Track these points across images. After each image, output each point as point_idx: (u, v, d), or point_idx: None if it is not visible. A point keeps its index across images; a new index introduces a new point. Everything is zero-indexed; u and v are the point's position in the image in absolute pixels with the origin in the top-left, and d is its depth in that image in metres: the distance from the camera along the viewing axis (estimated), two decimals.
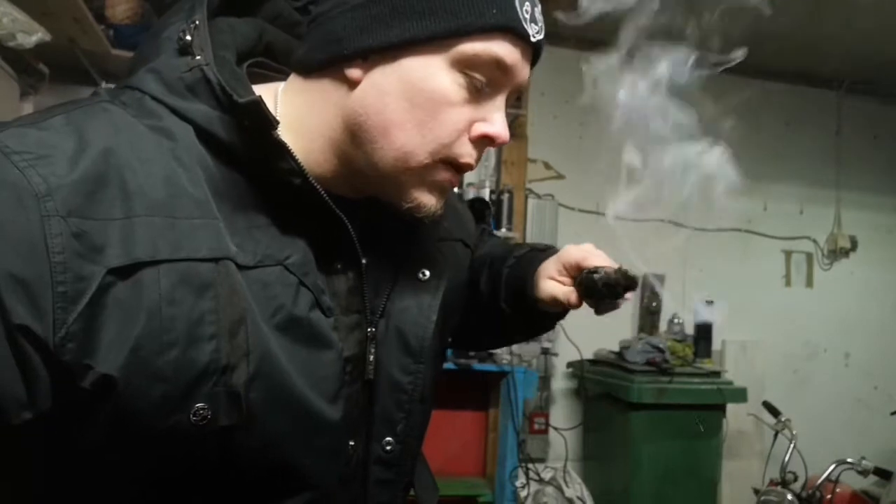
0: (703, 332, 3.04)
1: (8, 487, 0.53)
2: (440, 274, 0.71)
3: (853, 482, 2.21)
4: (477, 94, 0.60)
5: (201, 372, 0.50)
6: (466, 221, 0.88)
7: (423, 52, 0.57)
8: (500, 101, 0.62)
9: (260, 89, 0.60)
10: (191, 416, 0.50)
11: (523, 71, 0.61)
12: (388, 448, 0.67)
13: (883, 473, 1.98)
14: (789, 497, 1.89)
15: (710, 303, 3.02)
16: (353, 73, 0.59)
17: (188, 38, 0.56)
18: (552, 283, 0.74)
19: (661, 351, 2.73)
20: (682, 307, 3.21)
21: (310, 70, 0.62)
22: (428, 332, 0.67)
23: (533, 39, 0.60)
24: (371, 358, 0.66)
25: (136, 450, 0.51)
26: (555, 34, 3.23)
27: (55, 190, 0.46)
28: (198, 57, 0.56)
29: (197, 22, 0.57)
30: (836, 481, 1.97)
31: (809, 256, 3.59)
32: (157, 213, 0.50)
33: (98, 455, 0.51)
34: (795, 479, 2.03)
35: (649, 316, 3.17)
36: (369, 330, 0.66)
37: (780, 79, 3.47)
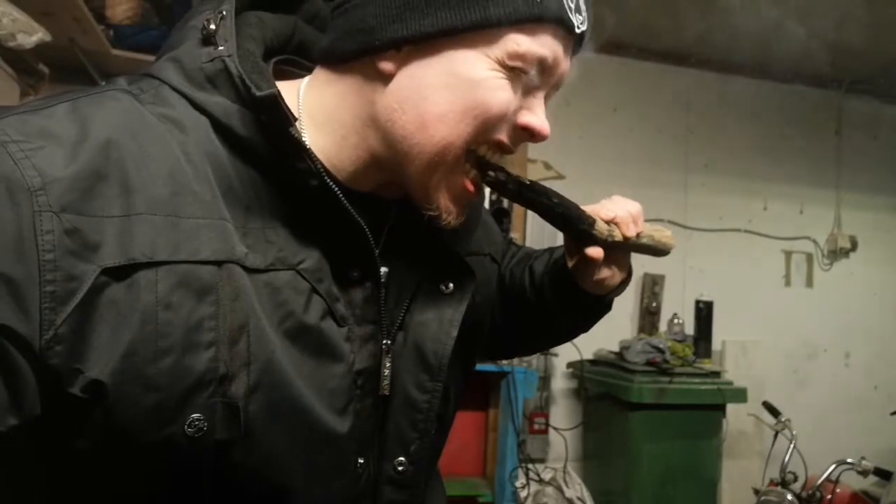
0: (703, 332, 3.05)
1: (3, 496, 0.51)
2: (464, 287, 0.66)
3: (853, 482, 2.21)
4: (517, 87, 0.56)
5: (197, 381, 0.47)
6: (495, 235, 0.85)
7: (461, 45, 0.54)
8: (540, 97, 0.59)
9: (283, 85, 0.57)
10: (185, 427, 0.47)
11: (564, 65, 0.58)
12: (401, 468, 0.62)
13: (883, 473, 1.97)
14: (789, 497, 1.89)
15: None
16: (386, 65, 0.55)
17: (212, 27, 0.54)
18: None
19: (661, 351, 2.73)
20: (682, 307, 3.21)
21: (337, 61, 0.58)
22: (447, 348, 0.63)
23: (577, 31, 0.57)
24: (386, 372, 0.62)
25: (129, 462, 0.49)
26: None
27: (50, 184, 0.44)
28: (220, 48, 0.53)
29: (224, 12, 0.55)
30: (836, 481, 1.97)
31: (809, 256, 3.59)
32: (158, 212, 0.47)
33: (93, 465, 0.49)
34: (795, 480, 2.03)
35: (649, 316, 3.17)
36: (384, 342, 0.62)
37: (780, 79, 3.47)
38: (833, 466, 1.96)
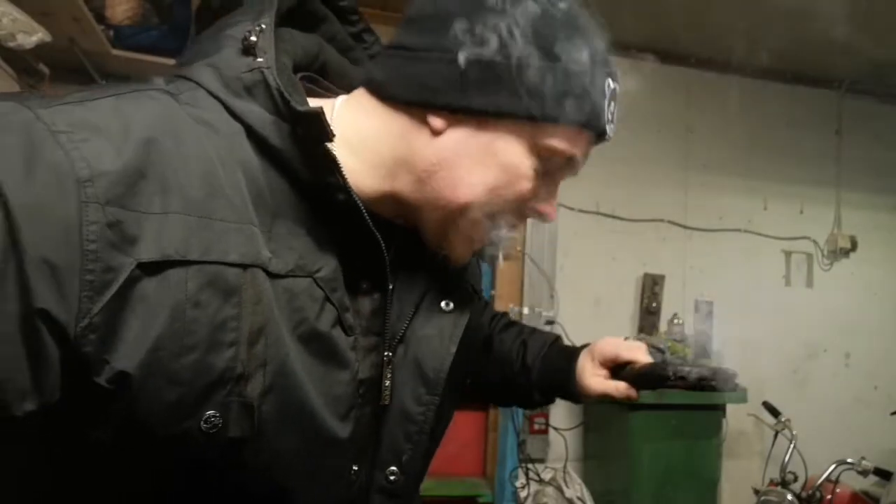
0: (703, 332, 3.04)
1: (13, 484, 0.52)
2: (464, 307, 0.71)
3: (853, 482, 2.21)
4: (540, 174, 0.62)
5: (217, 378, 0.49)
6: (474, 268, 0.88)
7: (509, 129, 0.59)
8: (557, 184, 0.65)
9: (316, 102, 0.59)
10: (201, 423, 0.49)
11: (583, 162, 0.64)
12: (392, 478, 0.65)
13: (883, 473, 1.98)
14: (789, 497, 1.89)
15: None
16: (437, 123, 0.59)
17: (253, 38, 0.56)
18: (597, 380, 0.91)
19: (661, 351, 2.73)
20: (682, 307, 3.21)
21: (387, 98, 0.62)
22: (446, 363, 0.66)
23: (607, 139, 0.63)
24: (387, 383, 0.65)
25: (141, 456, 0.50)
26: None
27: (98, 176, 0.45)
28: (259, 59, 0.55)
29: (264, 25, 0.57)
30: (836, 481, 1.97)
31: (809, 256, 3.59)
32: (192, 212, 0.49)
33: (104, 458, 0.50)
34: (795, 480, 2.03)
35: (649, 316, 3.17)
36: (386, 354, 0.65)
37: (780, 79, 3.47)
38: (833, 466, 1.96)
